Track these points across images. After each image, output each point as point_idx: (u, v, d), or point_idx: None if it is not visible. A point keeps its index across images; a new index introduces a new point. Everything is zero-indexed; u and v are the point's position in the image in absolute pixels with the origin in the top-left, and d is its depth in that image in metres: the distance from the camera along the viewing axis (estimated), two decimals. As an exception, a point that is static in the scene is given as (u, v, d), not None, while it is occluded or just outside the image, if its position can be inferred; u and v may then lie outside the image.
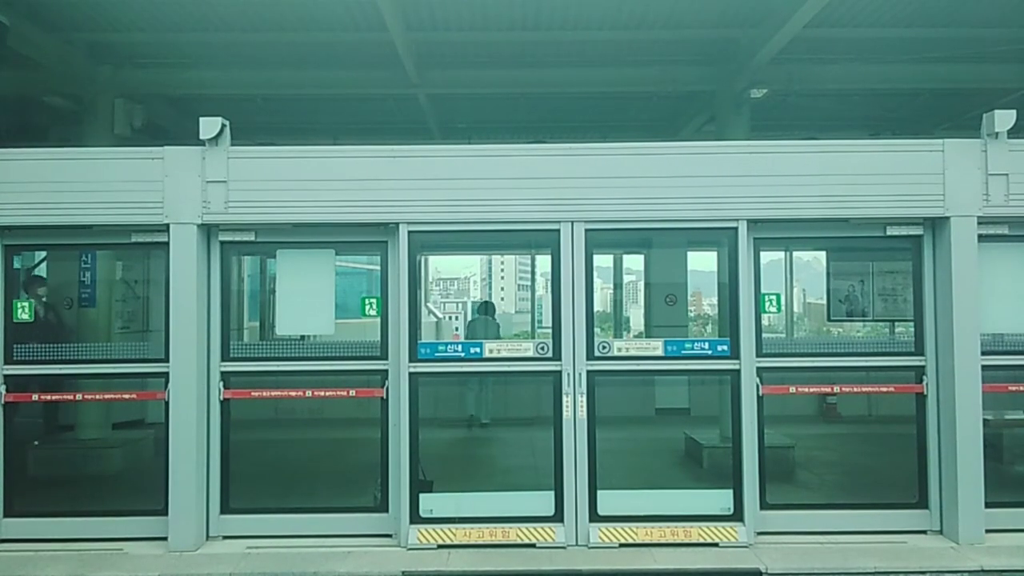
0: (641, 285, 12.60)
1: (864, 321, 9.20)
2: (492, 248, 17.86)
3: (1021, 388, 6.23)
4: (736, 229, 6.06)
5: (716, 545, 5.85)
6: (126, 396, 6.72)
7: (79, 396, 6.74)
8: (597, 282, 8.54)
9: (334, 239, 6.28)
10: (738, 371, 6.04)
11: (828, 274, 8.55)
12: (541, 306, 11.43)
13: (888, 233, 6.21)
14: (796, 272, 11.67)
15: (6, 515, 6.08)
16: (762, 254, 6.25)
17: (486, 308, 11.32)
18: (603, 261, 11.64)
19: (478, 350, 6.20)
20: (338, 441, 7.44)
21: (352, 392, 6.20)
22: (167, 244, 5.99)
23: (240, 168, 6.03)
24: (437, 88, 9.60)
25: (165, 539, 5.88)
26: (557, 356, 6.06)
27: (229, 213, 6.01)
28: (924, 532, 6.07)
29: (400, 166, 6.07)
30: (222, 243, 6.19)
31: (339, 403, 6.35)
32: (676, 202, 6.02)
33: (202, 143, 5.98)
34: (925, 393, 6.13)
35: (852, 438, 8.35)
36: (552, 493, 5.99)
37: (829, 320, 8.97)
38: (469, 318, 13.59)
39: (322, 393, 6.24)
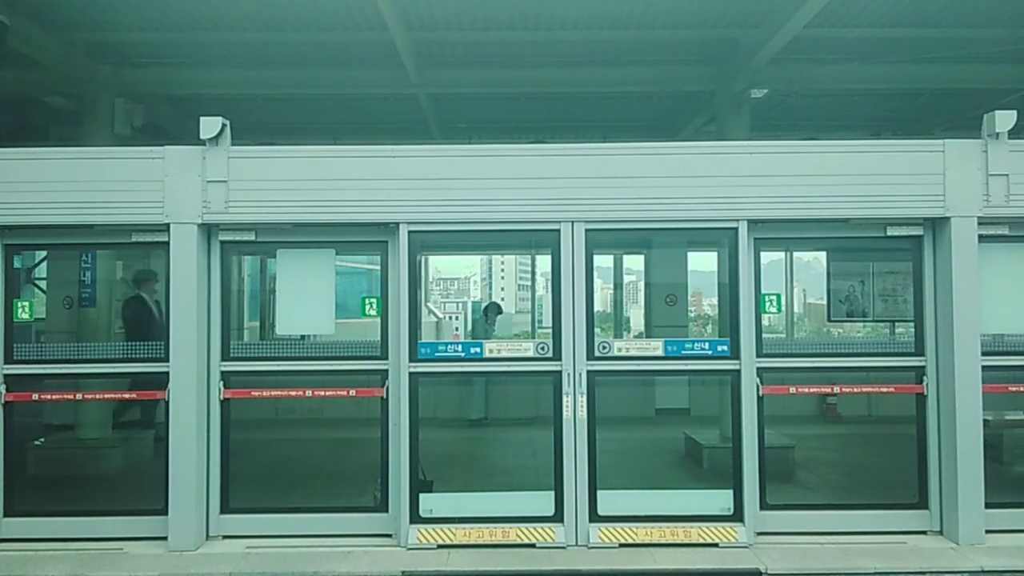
0: (641, 285, 12.58)
1: (864, 321, 9.20)
2: (492, 248, 17.87)
3: (1021, 389, 6.23)
4: (736, 229, 6.05)
5: (716, 545, 5.85)
6: (126, 396, 6.71)
7: (79, 396, 6.74)
8: (597, 282, 8.54)
9: (334, 239, 6.28)
10: (738, 371, 6.04)
11: (828, 274, 8.54)
12: (541, 306, 11.41)
13: (888, 233, 6.21)
14: (796, 272, 11.66)
15: (6, 515, 6.07)
16: (762, 254, 6.24)
17: (488, 310, 11.35)
18: (603, 261, 11.63)
19: (478, 350, 6.20)
20: (338, 441, 7.45)
21: (352, 392, 6.20)
22: (167, 244, 5.99)
23: (240, 168, 6.03)
24: (437, 88, 9.61)
25: (165, 539, 5.88)
26: (557, 356, 6.06)
27: (229, 213, 6.01)
28: (924, 532, 6.07)
29: (400, 166, 6.07)
30: (222, 243, 6.19)
31: (339, 403, 6.35)
32: (676, 202, 6.02)
33: (202, 143, 5.98)
34: (925, 393, 6.13)
35: (852, 438, 8.34)
36: (552, 493, 5.98)
37: (829, 320, 8.96)
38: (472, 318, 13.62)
39: (322, 393, 6.24)
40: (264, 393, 6.28)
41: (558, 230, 6.09)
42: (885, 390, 6.26)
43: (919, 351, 6.19)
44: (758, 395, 6.08)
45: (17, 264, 6.48)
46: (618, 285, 12.65)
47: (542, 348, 6.11)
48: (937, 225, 6.16)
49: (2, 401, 6.07)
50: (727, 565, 5.57)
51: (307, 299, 6.25)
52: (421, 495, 6.00)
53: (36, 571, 5.49)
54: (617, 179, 6.03)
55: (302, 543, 5.90)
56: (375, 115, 11.17)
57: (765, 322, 6.53)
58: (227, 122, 5.98)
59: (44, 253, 9.12)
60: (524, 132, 11.26)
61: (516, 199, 6.03)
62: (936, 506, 6.08)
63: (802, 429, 7.86)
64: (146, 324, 7.90)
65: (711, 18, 8.14)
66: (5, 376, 6.09)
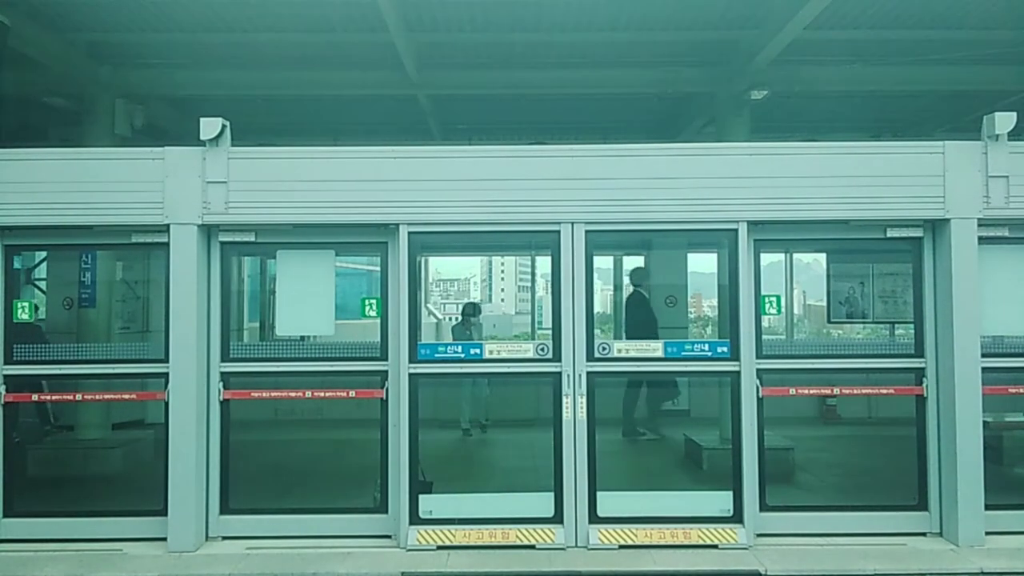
0: (641, 286, 12.56)
1: (864, 323, 9.21)
2: (492, 249, 17.85)
3: (1021, 390, 6.22)
4: (736, 231, 6.05)
5: (716, 547, 5.85)
6: (126, 396, 6.71)
7: (79, 396, 6.74)
8: (597, 283, 8.56)
9: (334, 240, 6.28)
10: (738, 373, 6.03)
11: (828, 276, 8.55)
12: (541, 307, 11.38)
13: (888, 235, 6.21)
14: (796, 274, 11.67)
15: (6, 515, 6.07)
16: (762, 256, 6.24)
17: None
18: (603, 262, 11.63)
19: (478, 351, 6.20)
20: (338, 442, 7.44)
21: (352, 393, 6.20)
22: (167, 244, 5.99)
23: (240, 169, 6.03)
24: (437, 88, 9.60)
25: (164, 539, 5.87)
26: (557, 357, 6.05)
27: (229, 213, 6.01)
28: (924, 534, 6.06)
29: (400, 167, 6.07)
30: (222, 243, 6.19)
31: (339, 404, 6.34)
32: (676, 204, 6.02)
33: (202, 143, 5.98)
34: (925, 395, 6.13)
35: (852, 440, 8.34)
36: (552, 494, 5.98)
37: (829, 322, 8.97)
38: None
39: (322, 394, 6.23)
40: (264, 394, 6.29)
41: (558, 231, 6.09)
42: (885, 392, 6.26)
43: (919, 353, 6.19)
44: (758, 396, 6.08)
45: (17, 264, 6.48)
46: (618, 286, 12.64)
47: (542, 349, 6.11)
48: (937, 227, 6.16)
49: (2, 401, 6.07)
50: (727, 566, 5.57)
51: (307, 300, 6.25)
52: (421, 496, 6.00)
53: (36, 572, 5.49)
54: (617, 180, 6.03)
55: (302, 544, 5.90)
56: (375, 115, 11.16)
57: (765, 323, 6.53)
58: (227, 123, 5.99)
59: (44, 253, 9.13)
60: (524, 133, 11.24)
61: (516, 200, 6.03)
62: (936, 508, 6.08)
63: (802, 431, 7.87)
64: (646, 315, 8.76)
65: (711, 20, 8.14)
66: (5, 376, 6.09)
